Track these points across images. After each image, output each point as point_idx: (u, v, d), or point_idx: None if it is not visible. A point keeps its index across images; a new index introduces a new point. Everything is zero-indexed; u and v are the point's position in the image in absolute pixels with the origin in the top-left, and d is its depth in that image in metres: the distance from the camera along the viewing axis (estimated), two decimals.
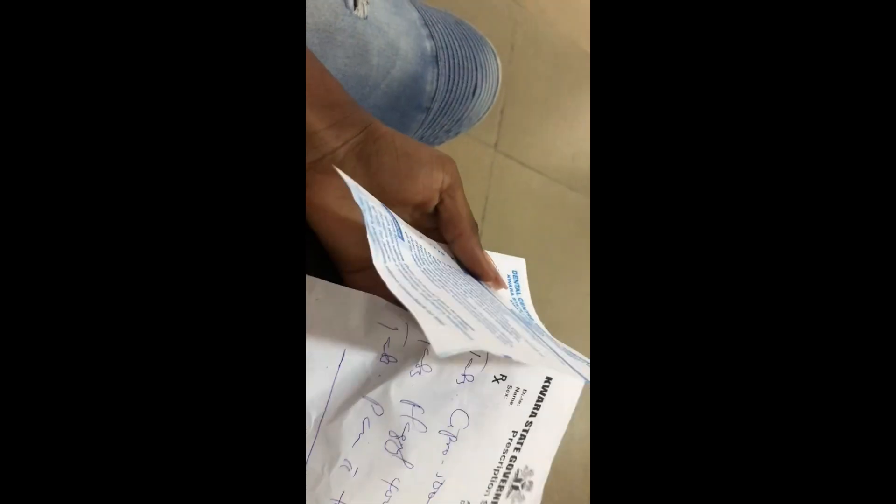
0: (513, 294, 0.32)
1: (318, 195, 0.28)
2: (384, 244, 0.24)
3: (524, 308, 0.32)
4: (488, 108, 0.51)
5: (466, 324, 0.24)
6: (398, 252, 0.26)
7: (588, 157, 1.17)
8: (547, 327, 0.31)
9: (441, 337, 0.21)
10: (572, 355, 0.28)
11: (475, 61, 0.45)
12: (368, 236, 0.23)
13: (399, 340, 0.28)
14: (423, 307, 0.23)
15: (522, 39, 1.11)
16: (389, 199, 0.28)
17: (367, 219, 0.23)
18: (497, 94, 0.51)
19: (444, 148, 0.36)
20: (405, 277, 0.25)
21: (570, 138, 1.17)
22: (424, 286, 0.25)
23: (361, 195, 0.24)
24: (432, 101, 0.42)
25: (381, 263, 0.24)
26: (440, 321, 0.22)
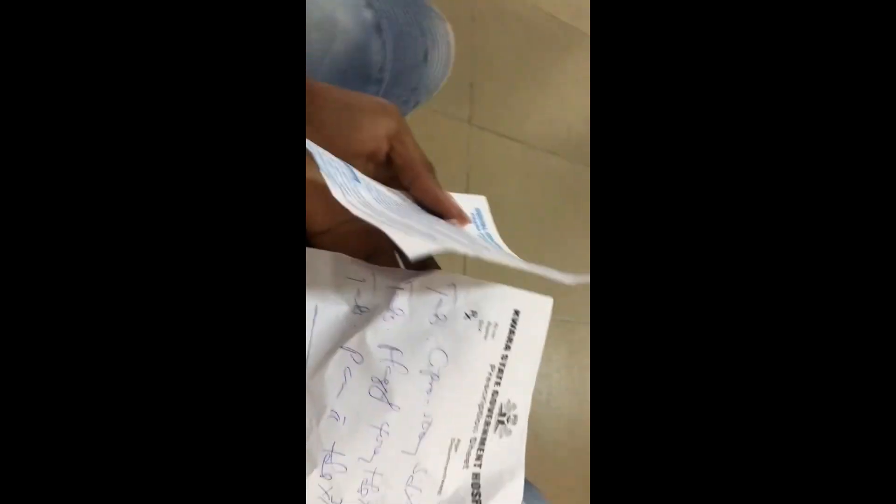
0: (479, 230, 0.33)
1: None
2: (341, 184, 0.24)
3: (493, 241, 0.33)
4: (444, 75, 0.51)
5: (434, 237, 0.24)
6: (357, 192, 0.26)
7: (564, 120, 1.17)
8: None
9: (410, 241, 0.21)
10: (549, 270, 0.28)
11: (420, 27, 0.46)
12: (323, 174, 0.23)
13: (368, 289, 0.29)
14: (390, 225, 0.23)
15: (482, 9, 1.11)
16: (339, 154, 0.29)
17: (319, 161, 0.23)
18: (451, 60, 0.51)
19: (415, 124, 0.36)
20: (368, 208, 0.25)
21: (544, 103, 1.17)
22: (388, 216, 0.25)
23: (309, 144, 0.24)
24: (382, 72, 0.43)
25: (342, 197, 0.23)
26: (407, 234, 0.23)
